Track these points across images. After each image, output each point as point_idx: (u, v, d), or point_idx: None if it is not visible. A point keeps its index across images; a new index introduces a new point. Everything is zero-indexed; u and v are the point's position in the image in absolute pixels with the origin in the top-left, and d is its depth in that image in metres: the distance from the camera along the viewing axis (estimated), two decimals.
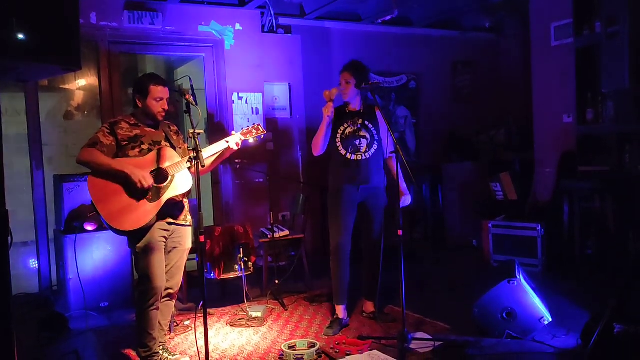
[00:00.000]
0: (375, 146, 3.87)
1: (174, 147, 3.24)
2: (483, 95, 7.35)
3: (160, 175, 3.11)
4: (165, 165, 3.14)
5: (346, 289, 3.85)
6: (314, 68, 6.12)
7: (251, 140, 3.47)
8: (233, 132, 3.43)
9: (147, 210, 3.06)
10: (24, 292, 4.74)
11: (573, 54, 5.07)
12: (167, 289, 3.27)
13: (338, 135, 3.86)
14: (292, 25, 6.07)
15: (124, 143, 3.11)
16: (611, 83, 4.70)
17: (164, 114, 3.23)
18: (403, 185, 3.81)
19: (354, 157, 3.83)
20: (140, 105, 3.20)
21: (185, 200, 3.32)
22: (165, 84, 3.22)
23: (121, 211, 3.01)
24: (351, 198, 3.84)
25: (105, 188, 3.02)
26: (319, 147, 3.83)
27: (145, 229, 3.07)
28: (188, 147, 3.26)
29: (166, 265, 3.25)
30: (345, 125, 3.87)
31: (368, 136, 3.86)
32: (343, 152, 3.85)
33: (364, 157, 3.83)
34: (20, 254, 4.92)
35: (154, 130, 3.23)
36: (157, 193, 3.10)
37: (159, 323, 3.27)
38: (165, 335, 3.39)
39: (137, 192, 3.04)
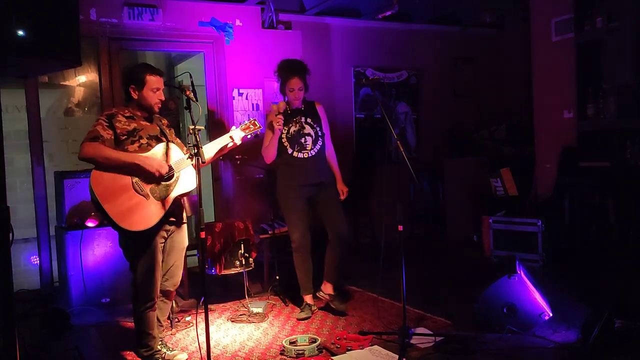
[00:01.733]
0: (320, 142, 3.99)
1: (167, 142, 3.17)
2: (484, 91, 7.34)
3: (167, 173, 3.05)
4: (170, 162, 3.08)
5: (311, 279, 4.04)
6: (314, 64, 6.09)
7: (249, 136, 3.46)
8: (233, 127, 3.41)
9: (156, 209, 2.98)
10: (26, 289, 4.74)
11: (574, 49, 5.06)
12: (167, 289, 3.25)
13: (284, 135, 3.94)
14: (292, 21, 6.05)
15: (123, 137, 2.99)
16: (612, 78, 4.69)
17: (160, 105, 3.14)
18: (340, 179, 4.10)
19: (300, 155, 3.93)
20: (135, 97, 3.08)
21: (184, 197, 3.30)
22: (160, 73, 3.13)
23: (130, 210, 2.90)
24: (301, 194, 3.95)
25: (112, 184, 2.90)
26: (270, 156, 3.94)
27: (149, 232, 2.98)
28: (188, 143, 3.19)
29: (165, 264, 3.21)
30: (290, 125, 3.95)
31: (312, 133, 3.98)
32: (290, 150, 3.94)
33: (310, 155, 3.95)
34: (22, 251, 4.93)
35: (149, 124, 3.14)
36: (166, 191, 3.05)
37: (158, 320, 3.26)
38: (164, 330, 3.39)
39: (152, 181, 2.97)
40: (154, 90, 3.08)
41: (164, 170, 3.00)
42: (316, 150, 3.97)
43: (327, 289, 4.06)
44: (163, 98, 3.16)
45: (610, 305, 2.95)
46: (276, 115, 3.83)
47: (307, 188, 3.95)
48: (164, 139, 3.16)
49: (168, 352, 3.26)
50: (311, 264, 4.03)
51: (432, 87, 7.10)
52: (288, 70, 3.96)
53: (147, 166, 2.93)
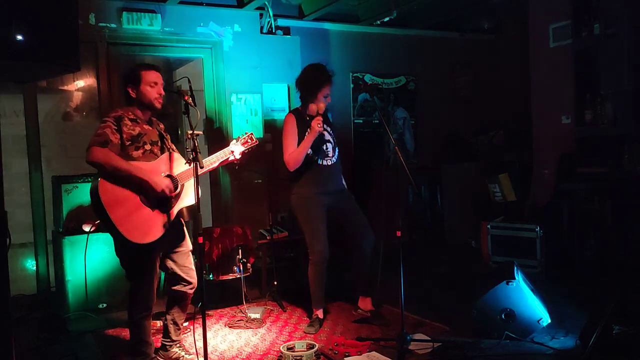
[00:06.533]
0: (337, 149, 3.93)
1: (167, 149, 3.14)
2: (482, 97, 7.35)
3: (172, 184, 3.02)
4: (175, 172, 3.05)
5: (324, 293, 3.92)
6: None
7: (246, 151, 3.44)
8: (233, 141, 3.38)
9: (160, 221, 2.96)
10: (22, 294, 4.72)
11: (571, 55, 5.07)
12: (185, 292, 3.22)
13: None
14: (290, 26, 6.06)
15: (127, 142, 2.96)
16: (610, 84, 4.70)
17: (161, 100, 3.08)
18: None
19: (324, 162, 3.85)
20: (134, 96, 3.03)
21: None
22: (156, 68, 3.08)
23: (137, 220, 2.88)
24: (323, 203, 3.84)
25: (118, 194, 2.87)
26: (299, 162, 3.77)
27: (151, 244, 2.94)
28: (186, 148, 3.10)
29: (181, 270, 3.18)
30: (309, 131, 3.78)
31: (331, 140, 3.91)
32: (314, 157, 3.82)
33: (332, 162, 3.88)
34: (19, 256, 4.91)
35: (150, 128, 3.11)
36: (171, 203, 3.01)
37: (175, 323, 3.27)
38: (181, 333, 3.38)
39: (154, 202, 2.94)
40: (152, 84, 3.03)
41: (171, 191, 2.97)
42: (336, 158, 3.90)
43: (366, 305, 3.99)
44: (162, 92, 3.08)
45: (609, 311, 2.94)
46: (316, 117, 3.70)
47: (330, 196, 3.85)
48: (164, 145, 3.14)
49: (187, 356, 3.27)
50: (326, 276, 3.89)
51: (431, 92, 7.11)
52: (324, 75, 3.83)
53: (155, 185, 2.90)
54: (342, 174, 4.06)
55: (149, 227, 2.92)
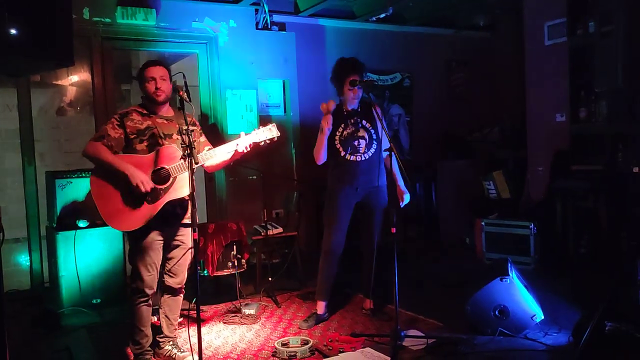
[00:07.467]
0: (374, 146, 3.85)
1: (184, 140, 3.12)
2: (477, 94, 7.36)
3: (161, 176, 3.01)
4: (168, 165, 3.03)
5: (330, 286, 3.91)
6: (308, 65, 6.11)
7: (261, 143, 3.19)
8: (243, 133, 3.18)
9: (144, 212, 2.98)
10: (16, 289, 4.71)
11: (566, 53, 5.08)
12: (170, 285, 3.26)
13: (337, 136, 3.81)
14: (286, 22, 6.05)
15: (132, 136, 3.04)
16: (604, 82, 4.72)
17: (160, 94, 3.09)
18: (401, 183, 3.86)
19: (353, 157, 3.81)
20: (143, 93, 3.16)
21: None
22: (157, 63, 3.15)
23: (119, 211, 2.97)
24: (349, 199, 3.83)
25: (105, 187, 2.98)
26: (320, 157, 3.80)
27: (141, 232, 3.02)
28: (181, 144, 3.01)
29: (169, 262, 3.22)
30: (343, 126, 3.82)
31: (367, 136, 3.84)
32: (342, 153, 3.81)
33: (363, 158, 3.81)
34: (12, 251, 4.89)
35: (166, 122, 3.14)
36: (157, 195, 3.01)
37: (167, 317, 3.29)
38: (175, 329, 3.38)
39: (137, 194, 2.97)
40: (149, 79, 3.10)
41: (145, 187, 2.94)
42: (370, 154, 3.81)
43: (365, 304, 4.04)
44: (161, 86, 3.09)
45: (602, 308, 2.96)
46: (325, 115, 3.70)
47: (359, 192, 3.81)
48: (178, 137, 3.11)
49: (179, 353, 3.26)
50: (335, 271, 3.87)
51: (426, 89, 7.11)
52: (348, 67, 3.79)
53: (132, 178, 2.93)
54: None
55: (132, 216, 2.98)
